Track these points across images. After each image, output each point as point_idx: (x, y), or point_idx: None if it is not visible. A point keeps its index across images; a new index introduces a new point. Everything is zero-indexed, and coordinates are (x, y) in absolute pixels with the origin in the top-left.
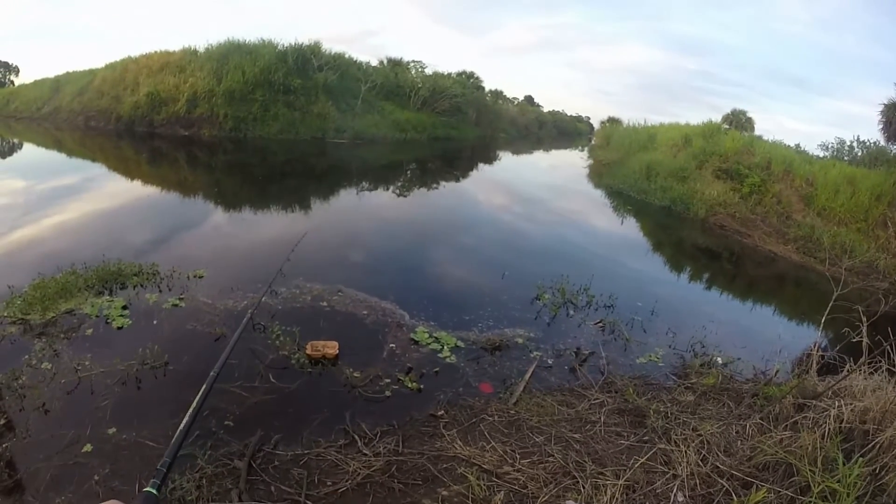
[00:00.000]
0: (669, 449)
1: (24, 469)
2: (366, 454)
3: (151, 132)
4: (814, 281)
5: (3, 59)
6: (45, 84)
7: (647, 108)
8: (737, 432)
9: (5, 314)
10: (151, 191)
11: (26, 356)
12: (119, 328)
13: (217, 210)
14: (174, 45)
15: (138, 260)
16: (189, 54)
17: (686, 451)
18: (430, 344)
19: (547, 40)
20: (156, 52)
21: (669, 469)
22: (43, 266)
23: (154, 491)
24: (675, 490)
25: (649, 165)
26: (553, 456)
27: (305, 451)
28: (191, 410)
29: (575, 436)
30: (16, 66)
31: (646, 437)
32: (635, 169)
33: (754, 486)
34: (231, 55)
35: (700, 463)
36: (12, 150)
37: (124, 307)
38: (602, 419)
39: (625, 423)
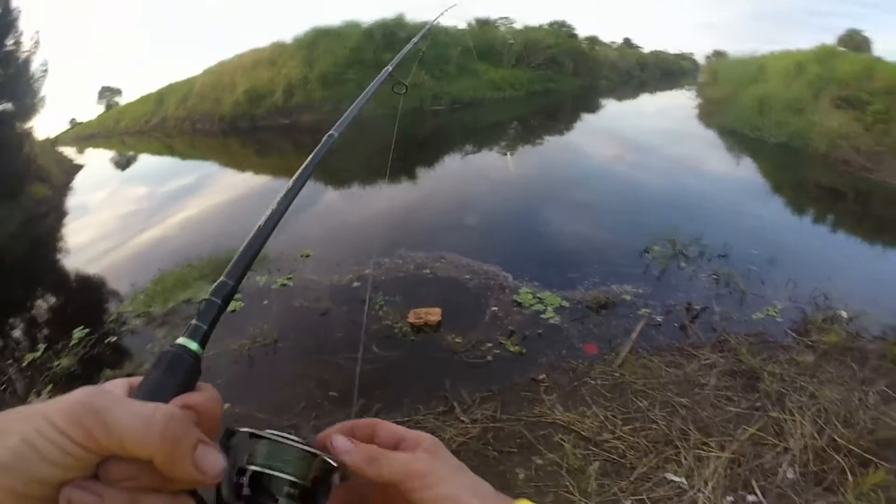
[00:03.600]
0: (782, 418)
1: None
2: (463, 421)
3: (254, 126)
4: None
5: (106, 85)
6: (149, 99)
7: (754, 38)
8: (859, 400)
9: (130, 309)
10: (261, 180)
11: (149, 345)
12: (232, 311)
13: (325, 190)
14: (262, 41)
15: None
16: (278, 48)
17: (801, 421)
18: (533, 305)
19: None
20: (247, 51)
21: (780, 441)
22: (163, 263)
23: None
24: (784, 465)
25: (761, 99)
26: (656, 423)
27: (405, 419)
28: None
29: (681, 400)
30: (118, 89)
31: (758, 404)
32: (746, 105)
33: (873, 465)
34: (319, 41)
35: (816, 435)
36: (129, 162)
37: None
38: (712, 382)
39: (736, 386)
